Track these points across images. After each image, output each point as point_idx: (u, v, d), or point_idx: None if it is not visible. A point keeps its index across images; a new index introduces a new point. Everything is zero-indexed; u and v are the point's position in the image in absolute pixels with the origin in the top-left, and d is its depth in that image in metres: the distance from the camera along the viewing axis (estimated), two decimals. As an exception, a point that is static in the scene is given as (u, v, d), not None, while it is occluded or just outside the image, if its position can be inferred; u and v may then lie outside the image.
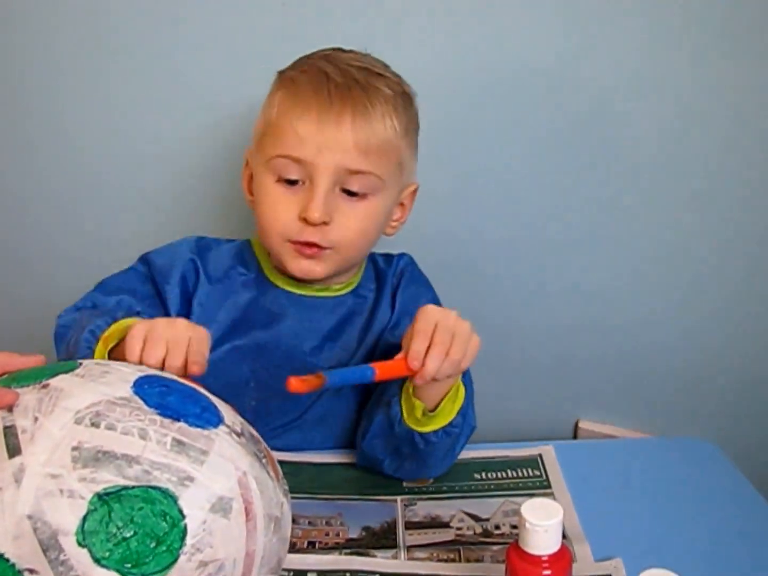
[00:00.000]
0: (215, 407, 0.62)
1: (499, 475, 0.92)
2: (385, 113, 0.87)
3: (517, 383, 1.32)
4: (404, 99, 0.91)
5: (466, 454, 0.95)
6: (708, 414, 1.29)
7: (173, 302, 0.93)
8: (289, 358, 0.93)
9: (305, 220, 0.86)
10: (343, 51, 0.93)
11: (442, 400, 0.84)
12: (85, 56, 1.17)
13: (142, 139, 1.20)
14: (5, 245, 1.29)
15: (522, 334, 1.29)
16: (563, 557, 0.64)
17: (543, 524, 0.63)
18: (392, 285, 0.98)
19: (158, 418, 0.57)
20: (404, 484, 0.91)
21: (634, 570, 0.64)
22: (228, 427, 0.61)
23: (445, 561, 0.79)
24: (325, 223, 0.86)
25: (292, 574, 0.76)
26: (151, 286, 0.94)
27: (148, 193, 1.24)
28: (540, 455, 0.95)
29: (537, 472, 0.93)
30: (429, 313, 0.80)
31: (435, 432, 0.85)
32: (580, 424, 1.33)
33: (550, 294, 1.26)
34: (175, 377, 0.65)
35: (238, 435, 0.61)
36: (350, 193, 0.88)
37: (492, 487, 0.91)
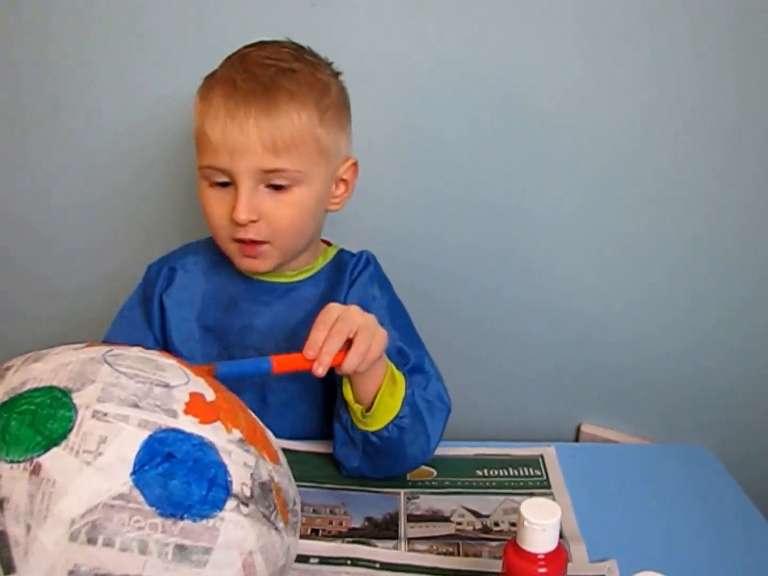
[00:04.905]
0: (225, 469, 0.57)
1: (500, 473, 0.94)
2: (291, 109, 0.88)
3: (522, 386, 1.32)
4: (317, 87, 0.91)
5: (469, 450, 0.97)
6: (708, 422, 1.30)
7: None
8: (241, 340, 0.96)
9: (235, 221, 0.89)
10: (265, 45, 0.93)
11: (375, 396, 0.86)
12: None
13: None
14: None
15: (527, 339, 1.29)
16: (559, 556, 0.65)
17: (541, 523, 0.64)
18: (350, 279, 0.99)
19: (159, 521, 0.54)
20: (407, 477, 0.92)
21: (628, 572, 0.65)
22: (236, 497, 0.57)
23: (445, 554, 0.81)
24: (253, 221, 0.89)
25: (294, 559, 0.77)
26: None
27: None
28: (541, 456, 0.97)
29: (538, 472, 0.94)
30: (331, 308, 0.83)
31: (386, 428, 0.87)
32: (583, 428, 1.33)
33: (555, 300, 1.26)
34: (184, 421, 0.58)
35: (246, 502, 0.58)
36: (276, 187, 0.90)
37: (493, 484, 0.92)
